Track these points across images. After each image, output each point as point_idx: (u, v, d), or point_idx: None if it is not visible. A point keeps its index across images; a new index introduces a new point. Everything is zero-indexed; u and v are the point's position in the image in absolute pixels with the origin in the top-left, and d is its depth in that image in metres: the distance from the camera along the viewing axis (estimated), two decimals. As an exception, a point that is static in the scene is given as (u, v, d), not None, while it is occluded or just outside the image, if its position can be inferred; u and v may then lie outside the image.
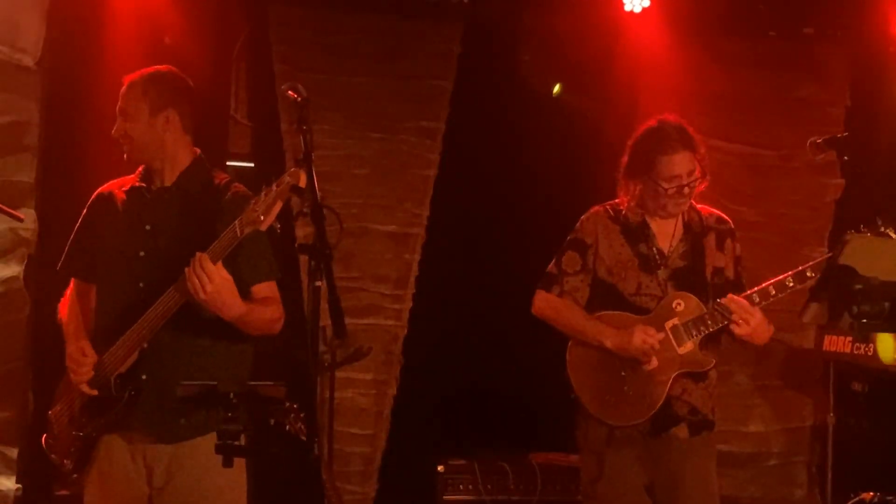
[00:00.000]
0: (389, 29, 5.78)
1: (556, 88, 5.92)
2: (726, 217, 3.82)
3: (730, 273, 3.73)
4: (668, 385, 3.58)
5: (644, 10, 5.62)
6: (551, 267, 3.79)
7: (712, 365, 3.65)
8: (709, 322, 3.56)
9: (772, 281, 3.54)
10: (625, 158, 3.75)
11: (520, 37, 5.83)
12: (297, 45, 5.67)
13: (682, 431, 3.64)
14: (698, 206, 3.78)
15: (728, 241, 3.75)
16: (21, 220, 4.56)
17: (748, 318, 3.48)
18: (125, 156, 3.36)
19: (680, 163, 3.60)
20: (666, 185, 3.59)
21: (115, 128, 3.34)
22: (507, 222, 5.81)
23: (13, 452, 5.07)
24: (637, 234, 3.71)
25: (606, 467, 3.63)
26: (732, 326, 3.51)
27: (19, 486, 5.07)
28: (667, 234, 3.71)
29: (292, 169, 2.84)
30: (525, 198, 5.81)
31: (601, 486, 3.66)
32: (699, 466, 3.67)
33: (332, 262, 2.77)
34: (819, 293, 3.37)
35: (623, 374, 3.60)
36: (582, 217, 3.81)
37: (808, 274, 3.49)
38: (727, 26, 5.92)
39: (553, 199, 5.52)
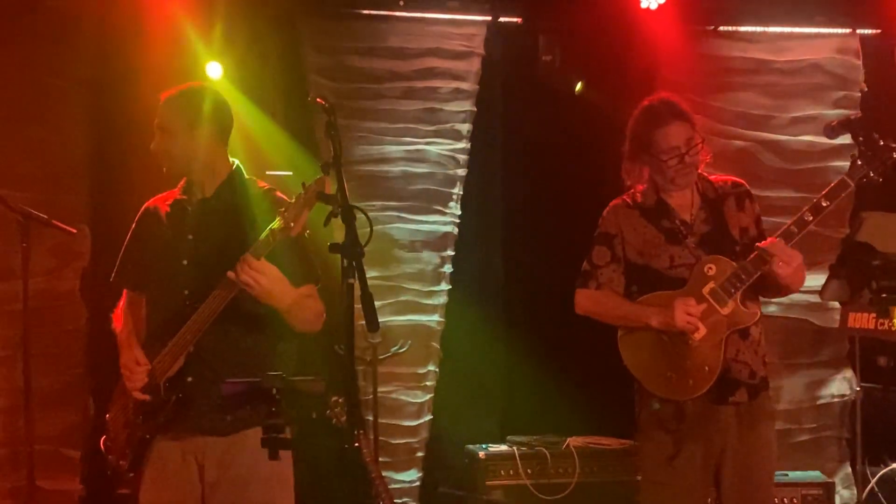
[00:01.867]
0: (417, 36, 5.78)
1: (578, 86, 5.91)
2: (741, 180, 3.79)
3: (753, 231, 3.69)
4: (724, 347, 3.54)
5: (660, 6, 5.61)
6: (584, 265, 3.77)
7: (758, 316, 3.61)
8: (742, 276, 3.51)
9: (793, 220, 3.51)
10: (625, 146, 3.75)
11: (539, 37, 5.82)
12: (328, 56, 5.69)
13: (742, 396, 3.59)
14: (711, 176, 3.76)
15: (747, 201, 3.72)
16: (74, 234, 4.66)
17: (790, 260, 3.44)
18: (164, 170, 3.40)
19: (675, 133, 3.59)
20: (666, 158, 3.59)
21: (153, 143, 3.37)
22: (534, 216, 5.82)
23: (76, 455, 5.17)
24: (656, 212, 3.69)
25: (684, 444, 3.57)
26: (775, 267, 3.45)
27: (82, 486, 5.18)
28: (685, 205, 3.69)
29: (318, 177, 2.88)
30: (551, 192, 5.81)
31: (678, 462, 3.59)
32: (762, 431, 3.64)
33: (364, 261, 2.78)
34: (839, 270, 3.35)
35: (678, 348, 3.55)
36: (602, 213, 3.80)
37: (824, 203, 3.48)
38: (742, 17, 5.88)
39: (577, 192, 5.51)
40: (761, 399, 3.65)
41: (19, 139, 5.14)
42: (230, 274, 3.06)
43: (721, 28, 5.93)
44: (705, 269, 3.57)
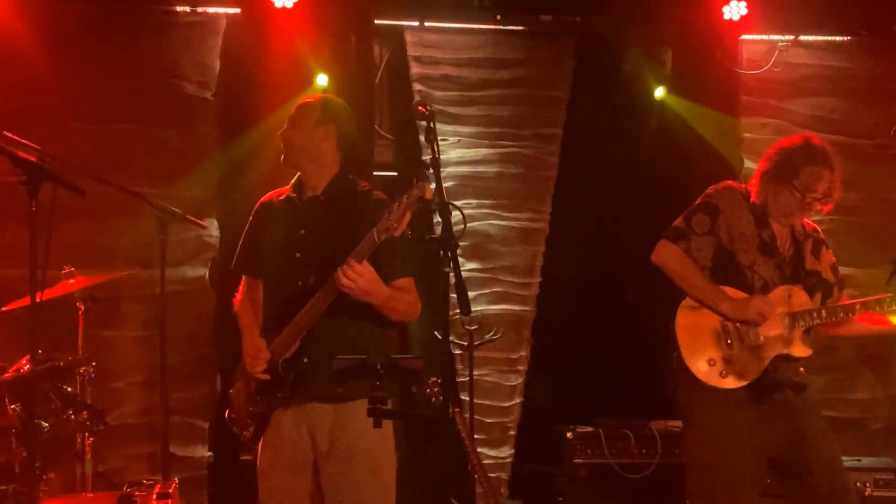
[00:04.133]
0: (512, 48, 5.84)
1: (660, 92, 5.88)
2: (817, 227, 3.76)
3: (829, 276, 3.68)
4: (768, 362, 3.52)
5: (742, 17, 5.55)
6: (680, 223, 3.65)
7: (808, 354, 3.58)
8: (815, 317, 3.52)
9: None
10: (764, 164, 3.64)
11: (626, 48, 5.81)
12: (430, 66, 5.78)
13: (787, 395, 3.57)
14: None
15: (823, 248, 3.70)
16: (204, 227, 4.82)
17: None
18: (282, 157, 3.48)
19: (825, 179, 3.53)
20: (803, 196, 3.52)
21: (281, 130, 3.48)
22: (619, 214, 5.81)
23: (205, 425, 5.35)
24: (761, 219, 3.63)
25: (717, 427, 3.54)
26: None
27: (210, 453, 5.36)
28: (781, 236, 3.65)
29: (419, 183, 2.93)
30: (634, 191, 5.80)
31: (710, 446, 3.56)
32: (816, 418, 3.59)
33: (463, 254, 2.82)
34: (903, 264, 3.32)
35: (729, 342, 3.53)
36: (715, 186, 3.69)
37: None
38: (821, 26, 5.81)
39: (658, 191, 5.50)
40: (807, 392, 3.61)
41: (157, 142, 5.36)
42: (334, 278, 3.13)
43: (802, 37, 5.84)
44: (787, 294, 3.55)
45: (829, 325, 3.62)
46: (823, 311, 3.52)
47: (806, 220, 3.71)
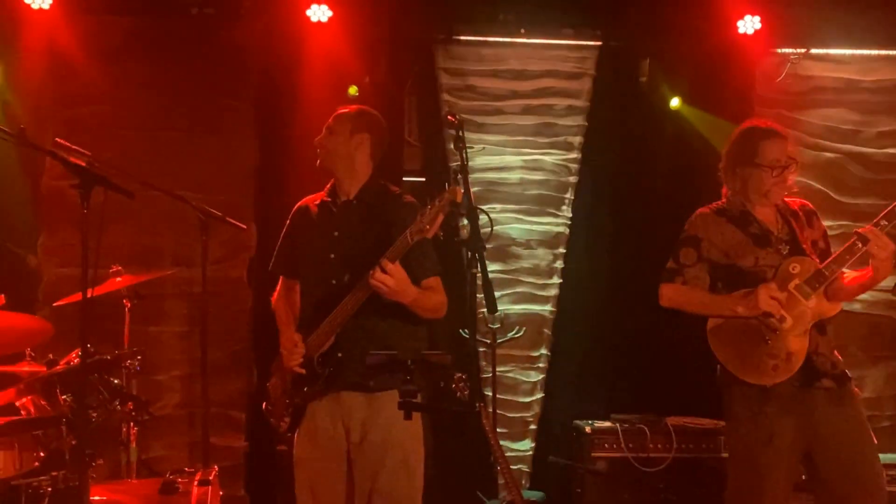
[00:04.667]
0: (535, 60, 5.89)
1: (676, 103, 5.89)
2: (808, 202, 3.74)
3: (822, 244, 3.66)
4: (808, 337, 3.47)
5: (756, 31, 5.56)
6: (670, 263, 3.70)
7: (839, 309, 3.53)
8: (826, 273, 3.47)
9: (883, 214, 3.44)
10: (724, 160, 3.69)
11: (640, 60, 5.83)
12: (458, 77, 5.84)
13: (829, 383, 3.50)
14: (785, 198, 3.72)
15: (815, 219, 3.68)
16: (243, 229, 4.89)
17: (885, 245, 3.37)
18: (318, 162, 3.55)
19: (782, 146, 3.55)
20: (770, 169, 3.54)
21: (318, 137, 3.55)
22: (636, 219, 5.82)
23: (242, 416, 5.42)
24: (743, 220, 3.63)
25: (773, 427, 3.47)
26: (870, 248, 3.38)
27: (247, 443, 5.42)
28: (770, 219, 3.63)
29: (451, 187, 2.99)
30: (650, 197, 5.81)
31: (765, 442, 3.49)
32: (853, 413, 3.52)
33: (486, 255, 2.85)
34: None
35: (766, 337, 3.49)
36: (689, 219, 3.73)
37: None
38: (832, 40, 5.81)
39: (673, 196, 5.51)
40: (848, 387, 3.56)
41: (199, 149, 5.45)
42: (367, 278, 3.19)
43: (813, 50, 5.84)
44: (790, 268, 3.52)
45: (841, 283, 3.55)
46: (832, 264, 3.48)
47: (790, 199, 3.70)
